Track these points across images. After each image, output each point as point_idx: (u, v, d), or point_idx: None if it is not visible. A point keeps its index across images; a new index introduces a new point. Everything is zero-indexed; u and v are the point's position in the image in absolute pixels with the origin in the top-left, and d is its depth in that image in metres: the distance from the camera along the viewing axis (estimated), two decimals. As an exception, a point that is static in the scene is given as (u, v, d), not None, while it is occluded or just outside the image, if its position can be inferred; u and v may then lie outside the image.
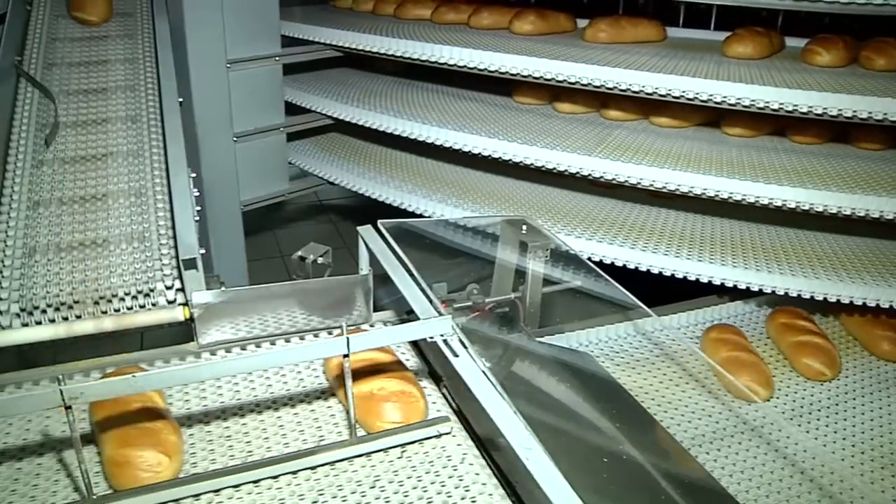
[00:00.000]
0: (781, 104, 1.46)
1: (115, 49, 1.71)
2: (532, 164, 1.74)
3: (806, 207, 1.48)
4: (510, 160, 1.77)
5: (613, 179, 1.64)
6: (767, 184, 1.50)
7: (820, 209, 1.48)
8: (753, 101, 1.48)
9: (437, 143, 1.87)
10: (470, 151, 1.83)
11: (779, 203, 1.50)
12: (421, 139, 1.90)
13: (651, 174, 1.59)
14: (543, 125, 1.90)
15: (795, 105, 1.45)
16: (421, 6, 2.23)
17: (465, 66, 1.78)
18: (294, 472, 0.91)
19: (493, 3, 2.12)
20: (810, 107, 1.43)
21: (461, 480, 0.91)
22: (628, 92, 1.60)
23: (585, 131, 1.86)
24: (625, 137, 1.80)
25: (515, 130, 1.84)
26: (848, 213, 1.45)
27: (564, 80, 1.66)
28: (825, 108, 1.42)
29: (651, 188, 1.62)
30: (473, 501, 0.88)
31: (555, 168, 1.71)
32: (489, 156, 1.80)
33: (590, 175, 1.67)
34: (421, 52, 1.86)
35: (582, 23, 2.07)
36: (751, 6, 1.70)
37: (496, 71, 1.75)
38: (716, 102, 1.51)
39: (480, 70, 1.76)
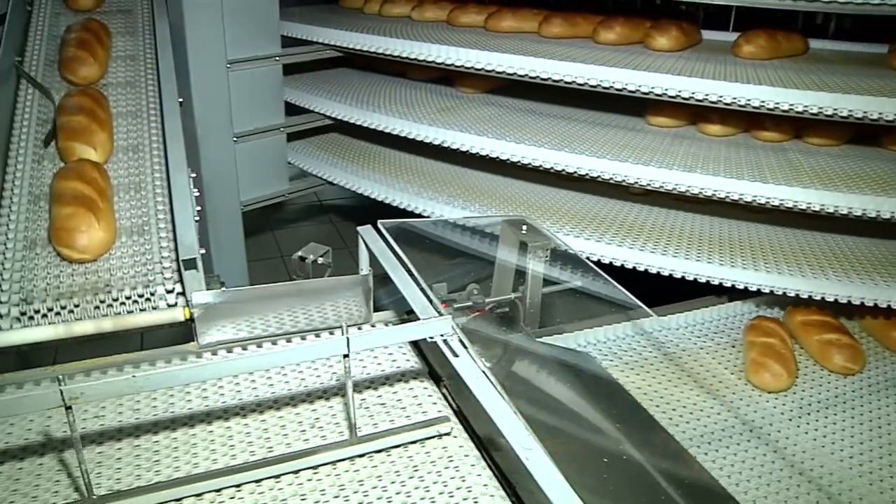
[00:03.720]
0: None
1: (115, 49, 1.71)
2: (531, 165, 1.74)
3: (803, 207, 1.49)
4: (510, 160, 1.77)
5: (611, 179, 1.64)
6: (766, 184, 1.50)
7: (816, 209, 1.48)
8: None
9: (438, 143, 1.88)
10: (469, 151, 1.83)
11: (776, 203, 1.50)
12: (421, 139, 1.90)
13: (652, 174, 1.59)
14: (544, 125, 1.90)
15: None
16: (429, 8, 2.21)
17: (474, 68, 1.79)
18: (294, 472, 0.91)
19: (493, 5, 2.12)
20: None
21: (461, 481, 0.91)
22: (624, 92, 1.60)
23: (586, 131, 1.85)
24: (623, 137, 1.80)
25: (518, 131, 1.84)
26: (845, 212, 1.45)
27: (574, 82, 1.65)
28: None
29: (650, 188, 1.62)
30: (474, 501, 0.88)
31: (552, 168, 1.71)
32: (488, 156, 1.80)
33: (588, 175, 1.67)
34: (419, 52, 1.86)
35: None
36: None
37: (523, 74, 1.73)
38: (725, 104, 1.52)
39: (499, 73, 1.74)
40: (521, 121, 1.94)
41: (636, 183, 1.62)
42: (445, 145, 1.86)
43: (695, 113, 1.84)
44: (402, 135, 1.94)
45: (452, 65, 1.81)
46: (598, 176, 1.66)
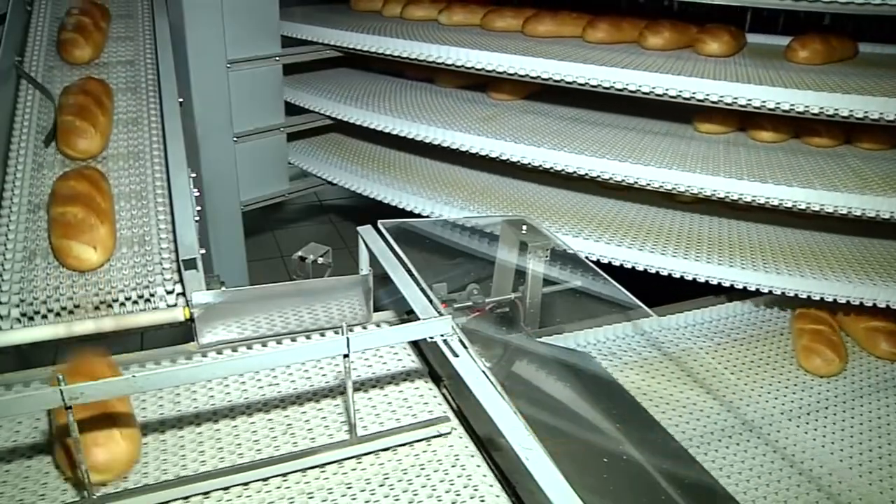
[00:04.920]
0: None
1: (115, 50, 1.71)
2: (531, 165, 1.74)
3: (803, 207, 1.49)
4: (509, 160, 1.77)
5: (611, 179, 1.64)
6: (766, 183, 1.50)
7: (817, 209, 1.48)
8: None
9: (438, 143, 1.87)
10: (470, 151, 1.83)
11: (777, 203, 1.50)
12: (421, 139, 1.90)
13: (651, 174, 1.59)
14: (544, 126, 1.90)
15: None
16: (458, 11, 2.15)
17: (473, 68, 1.78)
18: (290, 473, 0.91)
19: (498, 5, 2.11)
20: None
21: (461, 480, 0.91)
22: (625, 91, 1.60)
23: (584, 131, 1.85)
24: (624, 137, 1.80)
25: (518, 131, 1.84)
26: (845, 212, 1.45)
27: (625, 89, 1.61)
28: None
29: (650, 188, 1.62)
30: (474, 501, 0.88)
31: (552, 168, 1.71)
32: (488, 156, 1.80)
33: (586, 175, 1.67)
34: (419, 53, 1.85)
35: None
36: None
37: (514, 74, 1.72)
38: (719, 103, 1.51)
39: (544, 80, 1.69)
40: (524, 121, 1.94)
41: (635, 183, 1.62)
42: (446, 145, 1.86)
43: (743, 119, 1.80)
44: (402, 135, 1.94)
45: (493, 71, 1.75)
46: (658, 186, 1.60)
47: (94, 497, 0.82)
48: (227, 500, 0.87)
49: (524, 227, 1.25)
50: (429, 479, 0.92)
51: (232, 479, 0.88)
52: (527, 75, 1.70)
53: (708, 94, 1.51)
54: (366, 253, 1.21)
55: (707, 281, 1.57)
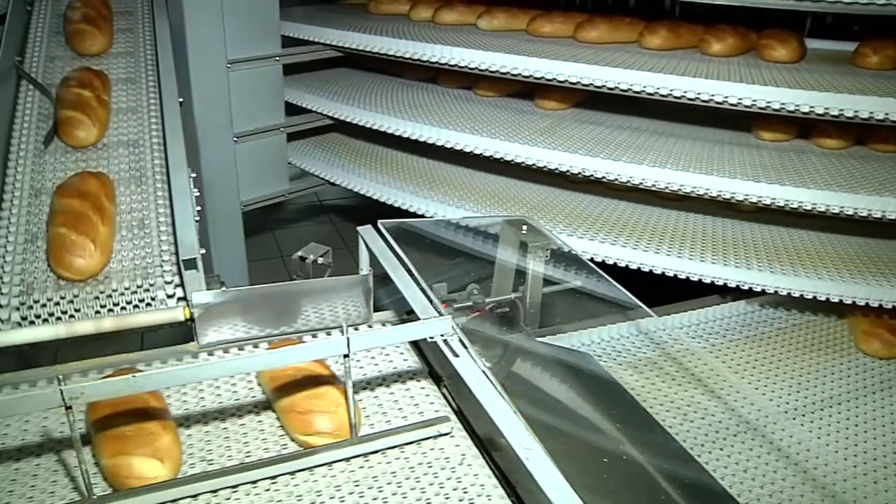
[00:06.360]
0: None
1: (116, 50, 1.71)
2: (531, 165, 1.74)
3: (808, 207, 1.48)
4: (510, 160, 1.77)
5: (614, 179, 1.64)
6: (766, 183, 1.50)
7: (822, 209, 1.48)
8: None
9: (438, 143, 1.87)
10: (470, 151, 1.83)
11: (780, 203, 1.50)
12: (421, 139, 1.90)
13: (652, 174, 1.59)
14: (602, 136, 1.84)
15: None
16: (499, 15, 2.07)
17: (476, 68, 1.78)
18: (290, 473, 0.91)
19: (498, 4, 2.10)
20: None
21: (461, 480, 0.91)
22: (629, 92, 1.59)
23: (584, 131, 1.85)
24: (627, 137, 1.80)
25: (579, 142, 1.80)
26: (848, 212, 1.45)
27: (683, 97, 1.56)
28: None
29: (651, 188, 1.62)
30: (474, 501, 0.88)
31: (556, 168, 1.71)
32: (488, 155, 1.80)
33: (584, 174, 1.67)
34: (420, 53, 1.85)
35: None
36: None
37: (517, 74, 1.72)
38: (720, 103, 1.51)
39: (597, 88, 1.64)
40: (524, 122, 1.94)
41: (642, 183, 1.62)
42: (446, 145, 1.86)
43: (804, 126, 1.76)
44: (402, 135, 1.94)
45: (542, 78, 1.69)
46: (729, 197, 1.55)
47: (95, 497, 0.82)
48: (216, 502, 0.87)
49: (524, 227, 1.25)
50: (428, 480, 0.91)
51: (225, 481, 0.88)
52: (579, 82, 1.64)
53: (784, 103, 1.45)
54: (366, 253, 1.21)
55: (708, 281, 1.57)
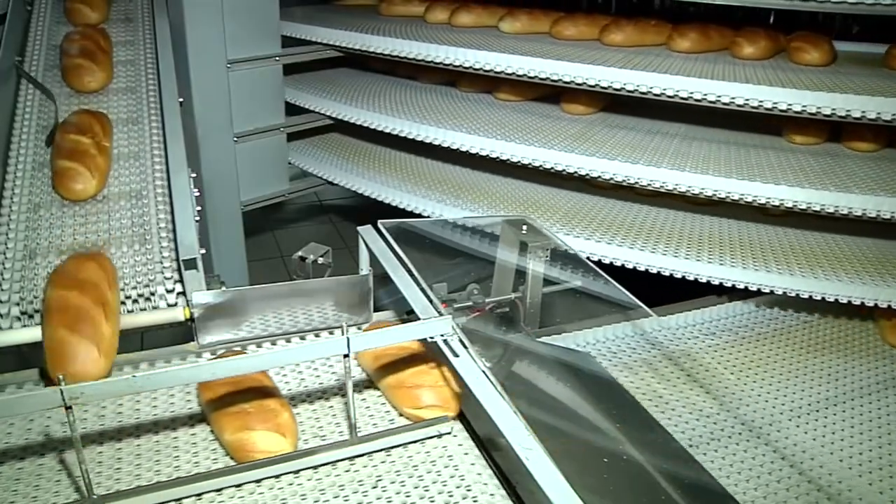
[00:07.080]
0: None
1: (116, 49, 1.71)
2: (531, 165, 1.74)
3: (804, 207, 1.49)
4: (509, 160, 1.77)
5: (658, 187, 1.62)
6: (766, 183, 1.50)
7: (818, 209, 1.48)
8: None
9: (437, 143, 1.87)
10: (469, 151, 1.83)
11: (778, 202, 1.50)
12: (421, 139, 1.90)
13: (652, 174, 1.59)
14: (545, 126, 1.90)
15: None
16: (521, 17, 2.02)
17: (472, 68, 1.77)
18: (295, 472, 0.91)
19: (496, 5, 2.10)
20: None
21: (461, 480, 0.91)
22: (662, 96, 1.56)
23: (616, 136, 1.83)
24: (661, 142, 1.78)
25: (517, 131, 1.84)
26: (846, 212, 1.45)
27: (572, 81, 1.61)
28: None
29: (651, 188, 1.62)
30: (474, 501, 0.88)
31: (595, 175, 1.67)
32: (488, 155, 1.80)
33: (625, 182, 1.64)
34: (443, 56, 1.82)
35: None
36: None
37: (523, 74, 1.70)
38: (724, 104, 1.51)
39: (629, 92, 1.60)
40: (525, 121, 1.94)
41: (636, 183, 1.62)
42: (446, 145, 1.86)
43: (834, 129, 1.74)
44: (402, 135, 1.93)
45: (572, 82, 1.65)
46: (765, 202, 1.52)
47: (95, 497, 0.82)
48: (220, 502, 0.87)
49: (524, 227, 1.25)
50: (429, 480, 0.92)
51: (226, 481, 0.88)
52: (611, 86, 1.60)
53: (820, 107, 1.43)
54: (366, 253, 1.21)
55: (707, 281, 1.57)
